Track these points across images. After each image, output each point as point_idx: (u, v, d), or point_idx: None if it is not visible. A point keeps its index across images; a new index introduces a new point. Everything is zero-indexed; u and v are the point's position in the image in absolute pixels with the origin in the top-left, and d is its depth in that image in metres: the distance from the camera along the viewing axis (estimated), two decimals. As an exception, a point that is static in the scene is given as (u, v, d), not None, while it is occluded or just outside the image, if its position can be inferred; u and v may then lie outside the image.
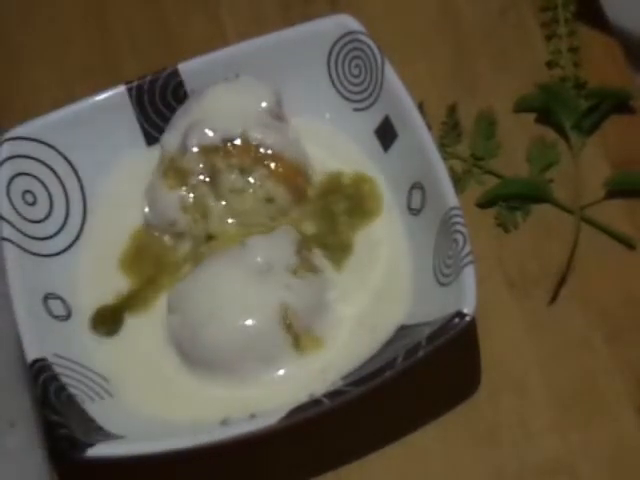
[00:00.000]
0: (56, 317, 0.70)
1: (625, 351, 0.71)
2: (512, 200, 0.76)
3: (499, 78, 0.81)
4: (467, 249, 0.66)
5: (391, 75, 0.73)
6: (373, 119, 0.75)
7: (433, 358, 0.64)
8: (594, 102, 0.77)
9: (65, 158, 0.74)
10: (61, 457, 0.68)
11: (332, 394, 0.64)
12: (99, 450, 0.62)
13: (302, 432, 0.66)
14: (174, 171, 0.74)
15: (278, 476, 0.69)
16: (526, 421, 0.69)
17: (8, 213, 0.71)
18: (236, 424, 0.65)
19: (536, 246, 0.74)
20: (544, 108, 0.78)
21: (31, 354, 0.66)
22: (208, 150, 0.73)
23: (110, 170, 0.76)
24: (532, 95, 0.79)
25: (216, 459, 0.67)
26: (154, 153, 0.75)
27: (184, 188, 0.73)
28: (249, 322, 0.68)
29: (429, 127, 0.72)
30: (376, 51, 0.74)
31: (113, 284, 0.73)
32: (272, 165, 0.73)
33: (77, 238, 0.74)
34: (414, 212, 0.72)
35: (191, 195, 0.73)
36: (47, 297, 0.70)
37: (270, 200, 0.73)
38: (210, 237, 0.73)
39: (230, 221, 0.73)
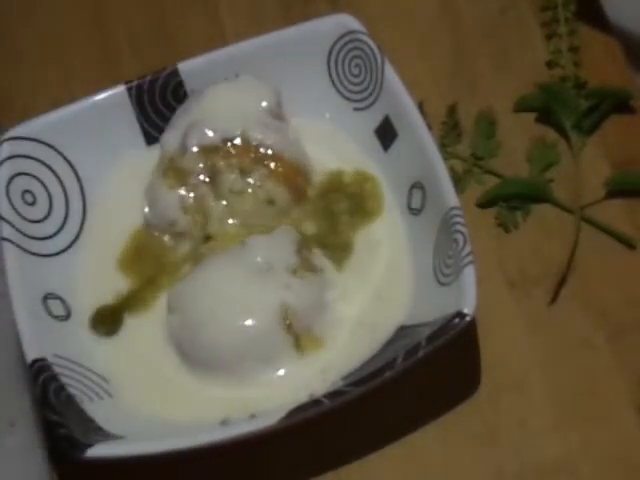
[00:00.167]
0: (56, 317, 0.70)
1: (625, 351, 0.71)
2: (512, 200, 0.76)
3: (499, 78, 0.81)
4: (467, 249, 0.66)
5: (391, 75, 0.73)
6: (373, 119, 0.75)
7: (433, 358, 0.64)
8: (594, 102, 0.77)
9: (65, 158, 0.74)
10: (61, 457, 0.68)
11: (332, 394, 0.64)
12: (99, 450, 0.62)
13: (302, 432, 0.66)
14: (174, 171, 0.74)
15: (278, 476, 0.69)
16: (526, 421, 0.69)
17: (8, 213, 0.71)
18: (236, 424, 0.65)
19: (536, 246, 0.74)
20: (544, 108, 0.78)
21: (31, 354, 0.66)
22: (208, 150, 0.73)
23: (110, 170, 0.76)
24: (532, 95, 0.79)
25: (216, 459, 0.67)
26: (154, 153, 0.75)
27: (184, 188, 0.73)
28: (249, 322, 0.68)
29: (429, 127, 0.72)
30: (376, 51, 0.74)
31: (113, 284, 0.73)
32: (272, 165, 0.73)
33: (77, 238, 0.74)
34: (414, 212, 0.72)
35: (191, 195, 0.73)
36: (47, 297, 0.70)
37: (271, 202, 0.73)
38: (210, 237, 0.73)
39: (230, 221, 0.73)
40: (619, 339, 0.71)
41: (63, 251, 0.73)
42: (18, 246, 0.70)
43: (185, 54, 0.76)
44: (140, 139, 0.77)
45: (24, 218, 0.72)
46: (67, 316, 0.71)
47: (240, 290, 0.69)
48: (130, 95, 0.75)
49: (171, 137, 0.74)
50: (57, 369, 0.66)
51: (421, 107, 0.76)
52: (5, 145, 0.72)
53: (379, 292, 0.71)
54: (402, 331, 0.69)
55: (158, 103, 0.76)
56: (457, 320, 0.64)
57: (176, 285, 0.71)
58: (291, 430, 0.64)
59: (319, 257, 0.72)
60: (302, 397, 0.65)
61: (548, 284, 0.73)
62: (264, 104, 0.75)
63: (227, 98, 0.75)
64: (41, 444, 0.71)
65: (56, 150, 0.74)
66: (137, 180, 0.75)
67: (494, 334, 0.71)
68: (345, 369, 0.68)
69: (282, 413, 0.63)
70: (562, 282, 0.73)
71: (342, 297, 0.71)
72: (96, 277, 0.73)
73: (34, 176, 0.73)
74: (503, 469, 0.68)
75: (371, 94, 0.75)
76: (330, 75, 0.77)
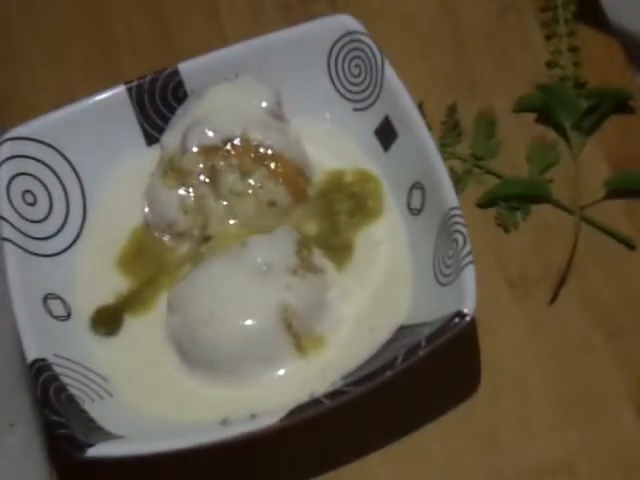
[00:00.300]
0: (56, 317, 0.70)
1: (625, 351, 0.71)
2: (512, 200, 0.76)
3: (499, 78, 0.81)
4: (467, 249, 0.66)
5: (391, 75, 0.73)
6: (373, 119, 0.75)
7: (433, 358, 0.64)
8: (594, 102, 0.77)
9: (65, 158, 0.74)
10: (61, 457, 0.68)
11: (332, 394, 0.64)
12: (99, 450, 0.62)
13: (302, 432, 0.66)
14: (174, 171, 0.74)
15: (278, 476, 0.69)
16: (526, 421, 0.69)
17: (8, 213, 0.71)
18: (236, 424, 0.65)
19: (536, 246, 0.74)
20: (544, 108, 0.78)
21: (31, 354, 0.66)
22: (208, 150, 0.73)
23: (110, 170, 0.76)
24: (532, 95, 0.79)
25: (216, 459, 0.67)
26: (154, 153, 0.75)
27: (184, 188, 0.73)
28: (249, 322, 0.68)
29: (429, 127, 0.72)
30: (376, 51, 0.74)
31: (113, 284, 0.73)
32: (272, 165, 0.73)
33: (77, 238, 0.74)
34: (414, 212, 0.72)
35: (191, 195, 0.73)
36: (47, 297, 0.70)
37: (272, 203, 0.73)
38: (210, 237, 0.73)
39: (230, 222, 0.73)
40: (619, 339, 0.71)
41: (63, 251, 0.73)
42: (18, 246, 0.70)
43: (185, 54, 0.76)
44: (140, 139, 0.77)
45: (24, 218, 0.72)
46: (67, 316, 0.71)
47: (240, 290, 0.69)
48: (130, 95, 0.75)
49: (171, 137, 0.74)
50: (57, 369, 0.66)
51: (421, 107, 0.76)
52: (6, 145, 0.72)
53: (379, 292, 0.71)
54: (402, 331, 0.69)
55: (158, 103, 0.76)
56: (457, 320, 0.64)
57: (176, 285, 0.71)
58: (291, 430, 0.64)
59: (319, 257, 0.72)
60: (302, 397, 0.65)
61: (548, 284, 0.73)
62: (264, 104, 0.75)
63: (227, 98, 0.75)
64: (41, 444, 0.71)
65: (56, 150, 0.74)
66: (137, 180, 0.75)
67: (494, 334, 0.71)
68: (345, 369, 0.68)
69: (282, 413, 0.63)
70: (562, 282, 0.73)
71: (342, 297, 0.71)
72: (96, 277, 0.73)
73: (34, 176, 0.73)
74: (503, 469, 0.68)
75: (371, 94, 0.75)
76: (330, 75, 0.77)
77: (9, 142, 0.73)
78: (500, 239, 0.75)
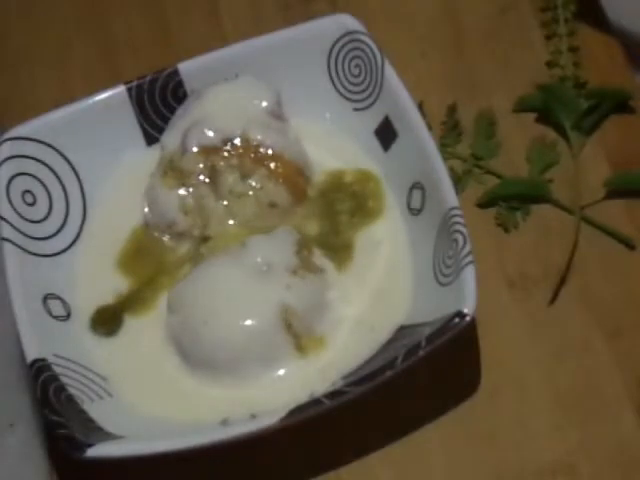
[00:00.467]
0: (56, 317, 0.70)
1: (625, 351, 0.71)
2: (512, 200, 0.76)
3: (499, 78, 0.81)
4: (467, 249, 0.66)
5: (391, 75, 0.73)
6: (373, 119, 0.75)
7: (433, 358, 0.64)
8: (594, 102, 0.77)
9: (65, 158, 0.74)
10: (61, 457, 0.68)
11: (332, 394, 0.64)
12: (99, 450, 0.62)
13: (302, 432, 0.66)
14: (174, 171, 0.74)
15: (278, 476, 0.69)
16: (526, 421, 0.69)
17: (8, 213, 0.71)
18: (236, 424, 0.65)
19: (536, 246, 0.74)
20: (544, 108, 0.78)
21: (31, 354, 0.66)
22: (208, 150, 0.73)
23: (110, 170, 0.76)
24: (532, 95, 0.79)
25: (216, 459, 0.67)
26: (154, 153, 0.75)
27: (184, 188, 0.73)
28: (249, 322, 0.68)
29: (429, 127, 0.72)
30: (376, 51, 0.74)
31: (113, 284, 0.73)
32: (272, 165, 0.73)
33: (77, 238, 0.74)
34: (414, 212, 0.72)
35: (191, 195, 0.73)
36: (47, 297, 0.70)
37: (273, 205, 0.73)
38: (210, 237, 0.73)
39: (230, 222, 0.73)
40: (619, 339, 0.71)
41: (63, 251, 0.73)
42: (18, 246, 0.70)
43: (185, 54, 0.76)
44: (140, 139, 0.77)
45: (24, 218, 0.72)
46: (67, 316, 0.71)
47: (240, 290, 0.69)
48: (130, 95, 0.75)
49: (171, 137, 0.74)
50: (57, 369, 0.66)
51: (421, 107, 0.76)
52: (5, 145, 0.72)
53: (379, 292, 0.71)
54: (402, 331, 0.69)
55: (158, 103, 0.76)
56: (457, 320, 0.64)
57: (176, 285, 0.71)
58: (291, 430, 0.64)
59: (319, 257, 0.72)
60: (302, 397, 0.65)
61: (548, 284, 0.73)
62: (264, 104, 0.75)
63: (227, 98, 0.75)
64: (41, 444, 0.71)
65: (56, 150, 0.74)
66: (137, 180, 0.75)
67: (494, 334, 0.71)
68: (345, 369, 0.68)
69: (282, 413, 0.63)
70: (562, 282, 0.73)
71: (342, 297, 0.71)
72: (96, 277, 0.73)
73: (34, 176, 0.73)
74: (503, 469, 0.68)
75: (371, 94, 0.75)
76: (330, 75, 0.77)
77: (9, 142, 0.73)
78: (500, 239, 0.75)
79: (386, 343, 0.69)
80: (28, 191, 0.73)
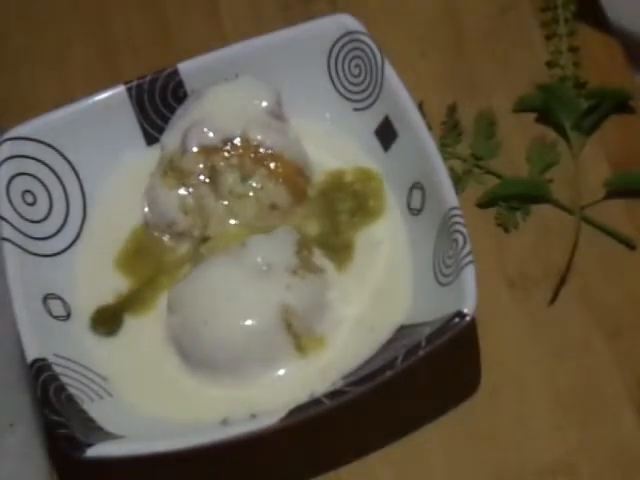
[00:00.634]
0: (56, 317, 0.70)
1: (625, 351, 0.71)
2: (512, 200, 0.76)
3: (499, 78, 0.81)
4: (467, 249, 0.66)
5: (391, 75, 0.73)
6: (373, 119, 0.75)
7: (433, 358, 0.64)
8: (594, 102, 0.77)
9: (65, 158, 0.74)
10: (61, 457, 0.68)
11: (332, 394, 0.64)
12: (99, 450, 0.62)
13: (302, 432, 0.66)
14: (174, 171, 0.74)
15: (278, 476, 0.69)
16: (526, 421, 0.69)
17: (8, 213, 0.71)
18: (236, 424, 0.65)
19: (536, 246, 0.74)
20: (544, 108, 0.78)
21: (31, 354, 0.66)
22: (208, 150, 0.73)
23: (110, 170, 0.76)
24: (532, 95, 0.79)
25: (216, 459, 0.67)
26: (154, 153, 0.75)
27: (184, 188, 0.73)
28: (249, 322, 0.68)
29: (429, 127, 0.72)
30: (376, 51, 0.74)
31: (113, 284, 0.73)
32: (272, 165, 0.73)
33: (77, 238, 0.74)
34: (414, 212, 0.72)
35: (191, 195, 0.73)
36: (47, 297, 0.70)
37: (274, 207, 0.73)
38: (210, 237, 0.73)
39: (230, 222, 0.73)
40: (619, 339, 0.71)
41: (63, 251, 0.73)
42: (18, 246, 0.70)
43: (185, 54, 0.76)
44: (140, 139, 0.77)
45: (24, 218, 0.72)
46: (67, 316, 0.71)
47: (240, 290, 0.69)
48: (130, 95, 0.75)
49: (171, 137, 0.74)
50: (57, 369, 0.66)
51: (421, 107, 0.76)
52: (5, 145, 0.72)
53: (379, 292, 0.71)
54: (402, 331, 0.69)
55: (158, 103, 0.76)
56: (457, 320, 0.64)
57: (176, 285, 0.71)
58: (291, 430, 0.64)
59: (319, 257, 0.72)
60: (302, 397, 0.65)
61: (548, 284, 0.73)
62: (264, 104, 0.75)
63: (227, 98, 0.75)
64: (41, 444, 0.71)
65: (56, 150, 0.74)
66: (137, 180, 0.75)
67: (494, 334, 0.71)
68: (345, 369, 0.68)
69: (282, 413, 0.63)
70: (562, 282, 0.73)
71: (342, 297, 0.71)
72: (96, 277, 0.73)
73: (34, 176, 0.73)
74: (503, 469, 0.68)
75: (371, 94, 0.75)
76: (330, 75, 0.77)
77: (9, 142, 0.73)
78: (500, 239, 0.75)
79: (386, 343, 0.69)
80: (28, 191, 0.73)
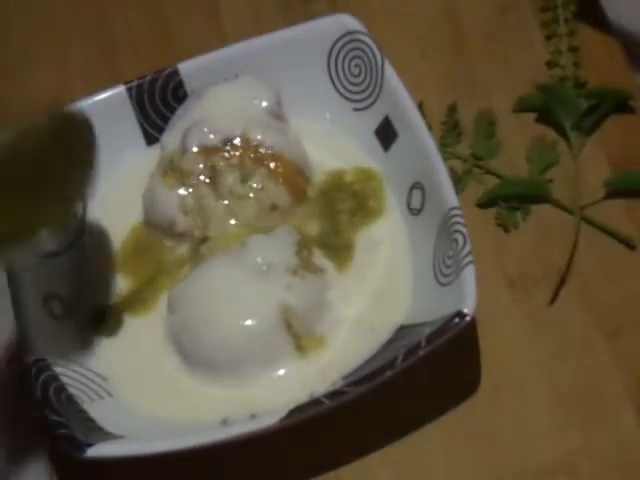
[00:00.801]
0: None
1: (625, 351, 0.71)
2: (512, 200, 0.76)
3: (499, 78, 0.81)
4: (467, 249, 0.66)
5: (391, 75, 0.73)
6: (373, 119, 0.75)
7: (433, 358, 0.64)
8: (594, 102, 0.77)
9: (65, 158, 0.74)
10: (61, 457, 0.68)
11: (332, 394, 0.64)
12: (99, 450, 0.62)
13: (302, 432, 0.66)
14: (174, 171, 0.74)
15: (278, 476, 0.69)
16: (526, 421, 0.69)
17: (8, 213, 0.71)
18: (236, 424, 0.65)
19: (536, 246, 0.74)
20: (544, 108, 0.78)
21: (31, 354, 0.66)
22: (208, 150, 0.73)
23: (110, 170, 0.76)
24: (532, 95, 0.79)
25: (216, 459, 0.67)
26: (154, 153, 0.75)
27: (184, 188, 0.73)
28: (249, 322, 0.68)
29: (429, 127, 0.72)
30: (376, 51, 0.74)
31: (113, 284, 0.73)
32: (272, 165, 0.73)
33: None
34: (414, 212, 0.72)
35: (191, 195, 0.73)
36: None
37: (274, 208, 0.73)
38: (210, 237, 0.73)
39: (230, 222, 0.73)
40: (619, 339, 0.71)
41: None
42: (18, 246, 0.70)
43: (185, 54, 0.76)
44: (140, 139, 0.77)
45: (24, 218, 0.72)
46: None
47: (240, 290, 0.69)
48: (130, 95, 0.75)
49: (171, 137, 0.74)
50: (57, 369, 0.66)
51: (421, 107, 0.76)
52: (5, 145, 0.72)
53: (379, 292, 0.71)
54: (402, 331, 0.69)
55: (158, 103, 0.76)
56: (457, 320, 0.64)
57: (176, 285, 0.71)
58: (291, 430, 0.64)
59: (319, 257, 0.72)
60: (302, 397, 0.65)
61: (548, 284, 0.73)
62: (264, 104, 0.75)
63: (227, 98, 0.75)
64: (41, 444, 0.71)
65: (56, 150, 0.74)
66: (137, 180, 0.75)
67: (494, 334, 0.71)
68: (345, 369, 0.68)
69: (282, 413, 0.63)
70: (562, 282, 0.73)
71: (342, 297, 0.71)
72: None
73: (34, 176, 0.73)
74: (503, 469, 0.68)
75: (371, 94, 0.75)
76: (330, 75, 0.77)
77: (9, 142, 0.73)
78: (500, 239, 0.75)
79: (386, 343, 0.69)
80: (28, 191, 0.73)
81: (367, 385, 0.64)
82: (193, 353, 0.69)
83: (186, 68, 0.75)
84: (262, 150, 0.73)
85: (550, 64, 0.80)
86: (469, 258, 0.66)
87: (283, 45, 0.76)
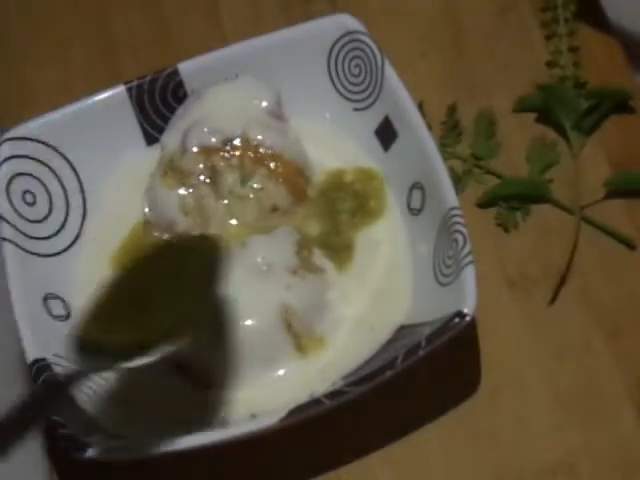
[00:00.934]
0: (56, 317, 0.70)
1: (625, 351, 0.71)
2: (512, 200, 0.76)
3: (499, 78, 0.81)
4: (467, 249, 0.66)
5: (391, 75, 0.73)
6: (373, 119, 0.75)
7: (433, 358, 0.64)
8: (594, 102, 0.77)
9: (65, 158, 0.74)
10: (61, 457, 0.68)
11: (332, 394, 0.64)
12: (99, 450, 0.62)
13: (302, 432, 0.66)
14: (174, 171, 0.74)
15: (278, 476, 0.69)
16: (526, 421, 0.69)
17: (8, 213, 0.71)
18: (236, 424, 0.65)
19: (536, 246, 0.74)
20: (544, 108, 0.78)
21: (31, 354, 0.66)
22: (208, 150, 0.73)
23: (110, 170, 0.76)
24: (532, 95, 0.79)
25: (216, 459, 0.67)
26: (154, 153, 0.75)
27: (184, 188, 0.73)
28: (249, 322, 0.68)
29: (429, 127, 0.72)
30: (376, 51, 0.74)
31: (112, 284, 0.73)
32: (272, 165, 0.73)
33: (77, 238, 0.74)
34: (414, 212, 0.72)
35: (191, 195, 0.73)
36: (47, 297, 0.70)
37: (274, 209, 0.73)
38: (210, 237, 0.73)
39: (230, 222, 0.73)
40: (619, 339, 0.71)
41: (63, 251, 0.73)
42: (18, 246, 0.70)
43: (185, 54, 0.76)
44: (140, 139, 0.77)
45: (24, 218, 0.72)
46: (67, 316, 0.71)
47: (240, 290, 0.69)
48: (130, 95, 0.75)
49: (171, 137, 0.74)
50: (57, 369, 0.66)
51: (421, 107, 0.76)
52: (5, 145, 0.72)
53: (379, 292, 0.71)
54: (402, 331, 0.69)
55: (158, 103, 0.76)
56: (457, 320, 0.64)
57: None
58: (291, 430, 0.64)
59: (319, 257, 0.72)
60: (302, 397, 0.65)
61: (548, 284, 0.73)
62: (264, 104, 0.75)
63: (227, 98, 0.75)
64: (41, 444, 0.71)
65: (56, 150, 0.74)
66: (137, 180, 0.75)
67: (494, 334, 0.71)
68: (345, 369, 0.68)
69: (282, 413, 0.63)
70: (562, 282, 0.73)
71: (342, 297, 0.71)
72: (96, 277, 0.73)
73: (34, 176, 0.73)
74: (503, 469, 0.68)
75: (371, 94, 0.75)
76: (330, 75, 0.77)
77: (9, 142, 0.73)
78: (500, 239, 0.75)
79: (386, 343, 0.69)
80: (28, 191, 0.73)
81: (367, 385, 0.64)
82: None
83: (186, 68, 0.75)
84: (262, 150, 0.73)
85: (550, 64, 0.80)
86: (469, 258, 0.66)
87: (283, 45, 0.76)
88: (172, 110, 0.76)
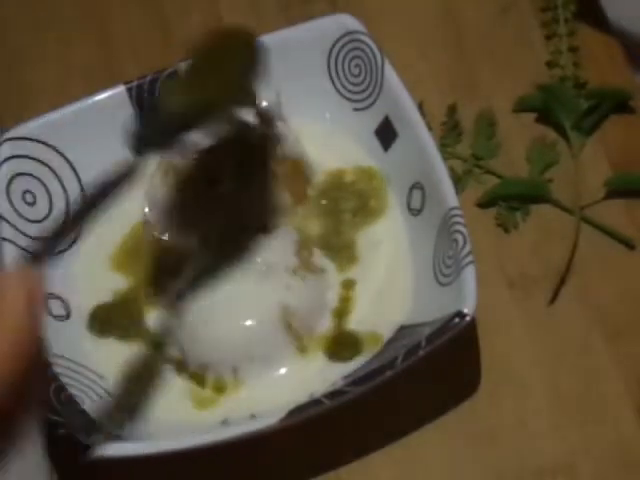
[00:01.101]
0: (56, 317, 0.70)
1: (625, 351, 0.71)
2: (512, 200, 0.76)
3: (499, 78, 0.81)
4: (467, 249, 0.66)
5: (391, 75, 0.73)
6: (373, 119, 0.75)
7: (433, 358, 0.64)
8: (594, 102, 0.77)
9: (65, 158, 0.74)
10: (61, 457, 0.68)
11: (332, 394, 0.64)
12: (99, 450, 0.62)
13: (302, 432, 0.66)
14: (174, 171, 0.74)
15: (278, 476, 0.69)
16: (526, 421, 0.69)
17: (8, 213, 0.71)
18: (236, 424, 0.65)
19: (536, 246, 0.74)
20: (544, 108, 0.78)
21: (31, 354, 0.66)
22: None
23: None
24: (532, 95, 0.79)
25: (216, 459, 0.67)
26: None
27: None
28: (249, 322, 0.68)
29: (429, 127, 0.72)
30: (376, 51, 0.74)
31: (112, 284, 0.73)
32: (272, 165, 0.73)
33: (76, 238, 0.74)
34: (414, 212, 0.72)
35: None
36: (47, 297, 0.70)
37: (275, 209, 0.73)
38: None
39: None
40: (619, 339, 0.71)
41: (63, 251, 0.73)
42: (18, 246, 0.70)
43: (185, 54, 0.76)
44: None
45: (24, 218, 0.72)
46: (67, 316, 0.71)
47: (240, 290, 0.69)
48: (130, 95, 0.75)
49: (171, 137, 0.74)
50: (57, 369, 0.66)
51: (421, 107, 0.76)
52: (5, 145, 0.72)
53: (379, 292, 0.71)
54: (402, 331, 0.69)
55: (158, 103, 0.76)
56: (457, 320, 0.64)
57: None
58: (291, 430, 0.64)
59: (320, 257, 0.72)
60: (302, 397, 0.65)
61: (548, 284, 0.73)
62: (264, 104, 0.75)
63: (227, 98, 0.74)
64: (41, 444, 0.71)
65: (56, 150, 0.74)
66: (137, 180, 0.75)
67: (494, 334, 0.71)
68: (345, 369, 0.68)
69: (282, 413, 0.63)
70: (562, 282, 0.73)
71: (342, 297, 0.71)
72: (96, 277, 0.73)
73: (34, 176, 0.73)
74: (503, 469, 0.68)
75: (371, 94, 0.75)
76: (330, 75, 0.77)
77: (9, 142, 0.73)
78: (500, 239, 0.75)
79: (386, 343, 0.69)
80: (28, 191, 0.73)
81: (367, 385, 0.64)
82: (193, 353, 0.69)
83: (186, 68, 0.75)
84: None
85: (550, 64, 0.80)
86: (469, 258, 0.66)
87: (283, 45, 0.76)
88: (172, 110, 0.76)
